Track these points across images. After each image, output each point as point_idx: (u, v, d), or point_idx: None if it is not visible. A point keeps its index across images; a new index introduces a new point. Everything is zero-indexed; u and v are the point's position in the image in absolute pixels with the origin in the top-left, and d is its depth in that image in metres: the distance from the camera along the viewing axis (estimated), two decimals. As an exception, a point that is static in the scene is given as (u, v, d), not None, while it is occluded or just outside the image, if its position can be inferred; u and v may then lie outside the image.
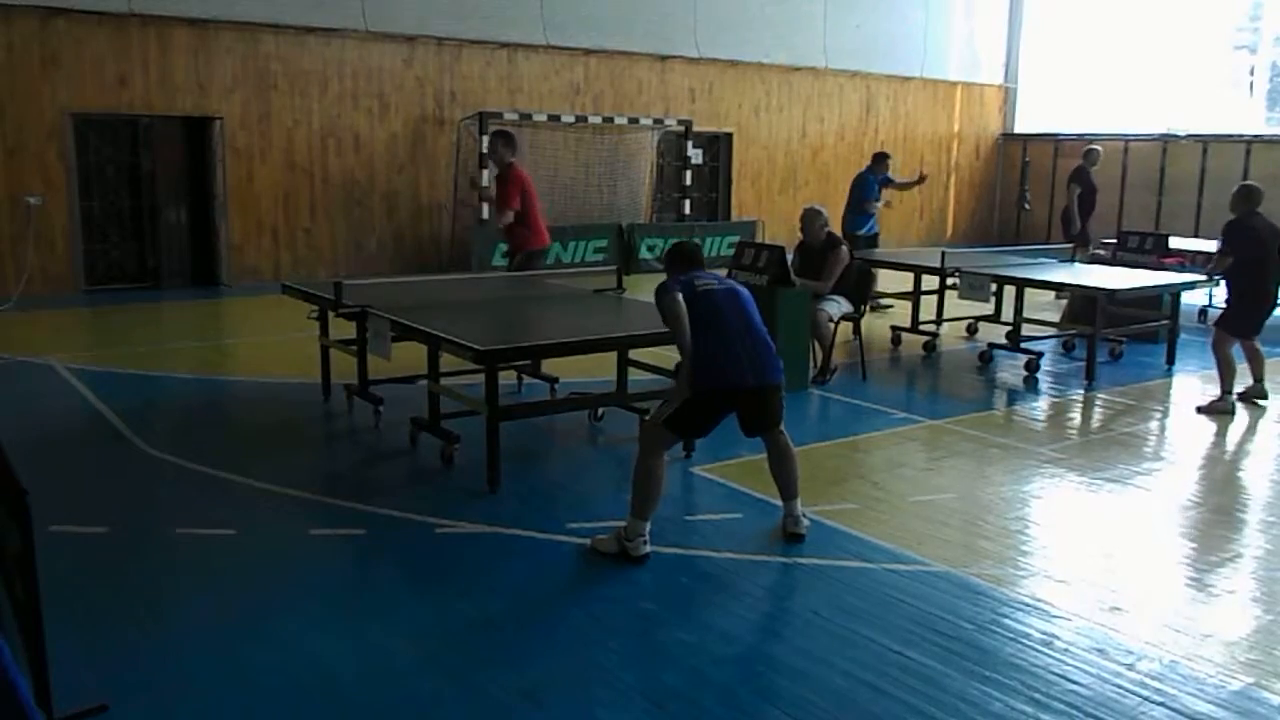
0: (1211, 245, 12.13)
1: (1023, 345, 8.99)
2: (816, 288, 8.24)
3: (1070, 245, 12.65)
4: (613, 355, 6.74)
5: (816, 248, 8.51)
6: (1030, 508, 5.65)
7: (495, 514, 5.19)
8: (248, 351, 9.62)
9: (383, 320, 6.07)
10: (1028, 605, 4.28)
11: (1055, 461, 6.33)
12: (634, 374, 6.83)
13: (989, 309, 9.70)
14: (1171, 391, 8.47)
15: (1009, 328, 9.31)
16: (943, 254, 9.83)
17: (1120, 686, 3.61)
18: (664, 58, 16.53)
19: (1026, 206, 20.06)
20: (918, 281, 9.97)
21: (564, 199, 15.35)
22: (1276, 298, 7.77)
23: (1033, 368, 8.68)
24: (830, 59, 18.46)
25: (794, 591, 4.40)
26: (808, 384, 7.97)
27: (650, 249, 15.52)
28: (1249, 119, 18.97)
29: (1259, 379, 7.81)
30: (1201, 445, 6.99)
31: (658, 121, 16.23)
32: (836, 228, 9.03)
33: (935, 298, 10.13)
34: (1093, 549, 4.97)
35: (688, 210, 16.72)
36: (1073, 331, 9.55)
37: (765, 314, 7.61)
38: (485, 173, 13.34)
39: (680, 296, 4.63)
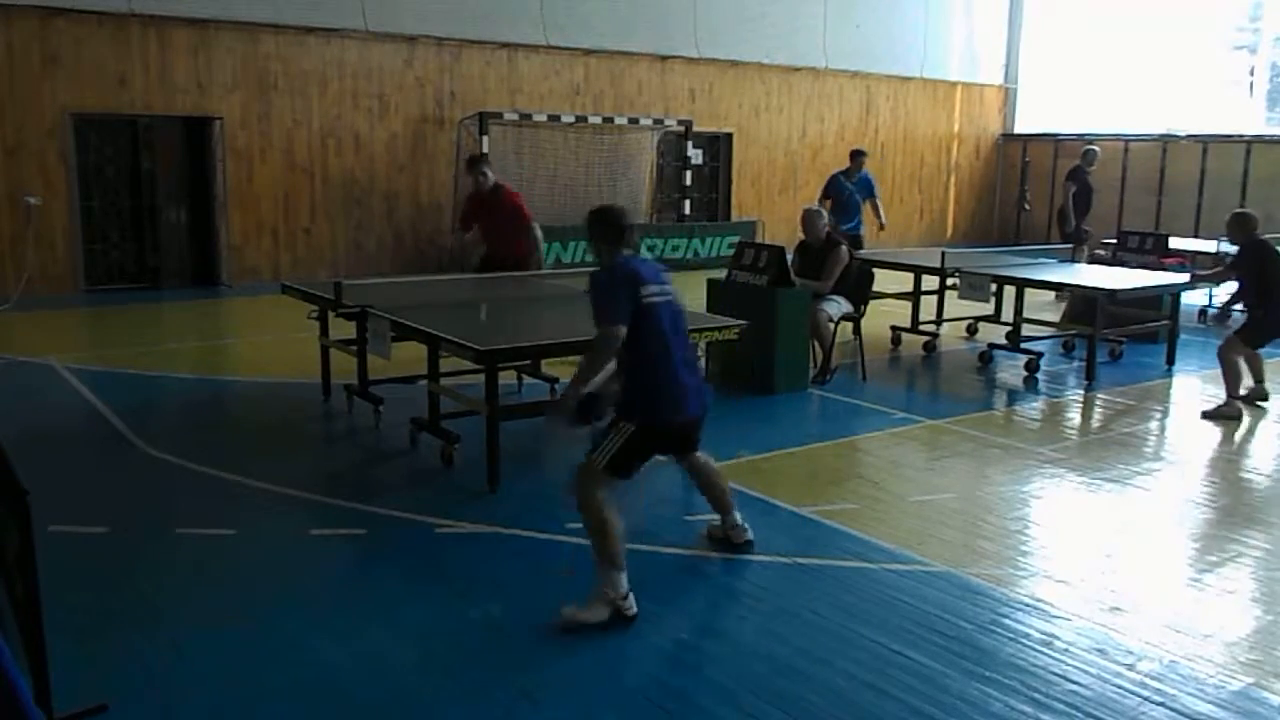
0: (1210, 245, 12.17)
1: (1023, 345, 8.99)
2: (816, 288, 8.24)
3: (1069, 245, 12.65)
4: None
5: (816, 248, 8.52)
6: (1030, 508, 5.65)
7: (495, 514, 5.19)
8: (248, 351, 9.62)
9: (383, 320, 6.07)
10: (1028, 605, 4.28)
11: (1055, 461, 6.33)
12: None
13: (989, 309, 9.70)
14: (1171, 392, 8.47)
15: (1009, 328, 9.31)
16: (943, 254, 9.83)
17: (1120, 686, 3.61)
18: (664, 58, 16.53)
19: (1026, 206, 20.06)
20: (918, 281, 9.97)
21: (564, 199, 15.34)
22: None
23: (1033, 368, 8.68)
24: (830, 59, 18.46)
25: (794, 591, 4.40)
26: (808, 384, 7.97)
27: (650, 249, 15.50)
28: (1249, 119, 18.98)
29: (1260, 380, 7.81)
30: (1201, 445, 6.99)
31: (658, 121, 16.23)
32: (796, 227, 9.00)
33: (935, 298, 10.13)
34: (1093, 549, 4.97)
35: (688, 210, 16.72)
36: (1073, 331, 9.55)
37: (765, 314, 7.71)
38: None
39: (622, 329, 3.98)
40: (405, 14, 13.94)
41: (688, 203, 16.72)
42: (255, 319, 11.29)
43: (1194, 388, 8.57)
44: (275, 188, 13.51)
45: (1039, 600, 4.33)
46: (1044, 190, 20.00)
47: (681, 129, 16.32)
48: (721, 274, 8.42)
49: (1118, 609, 4.26)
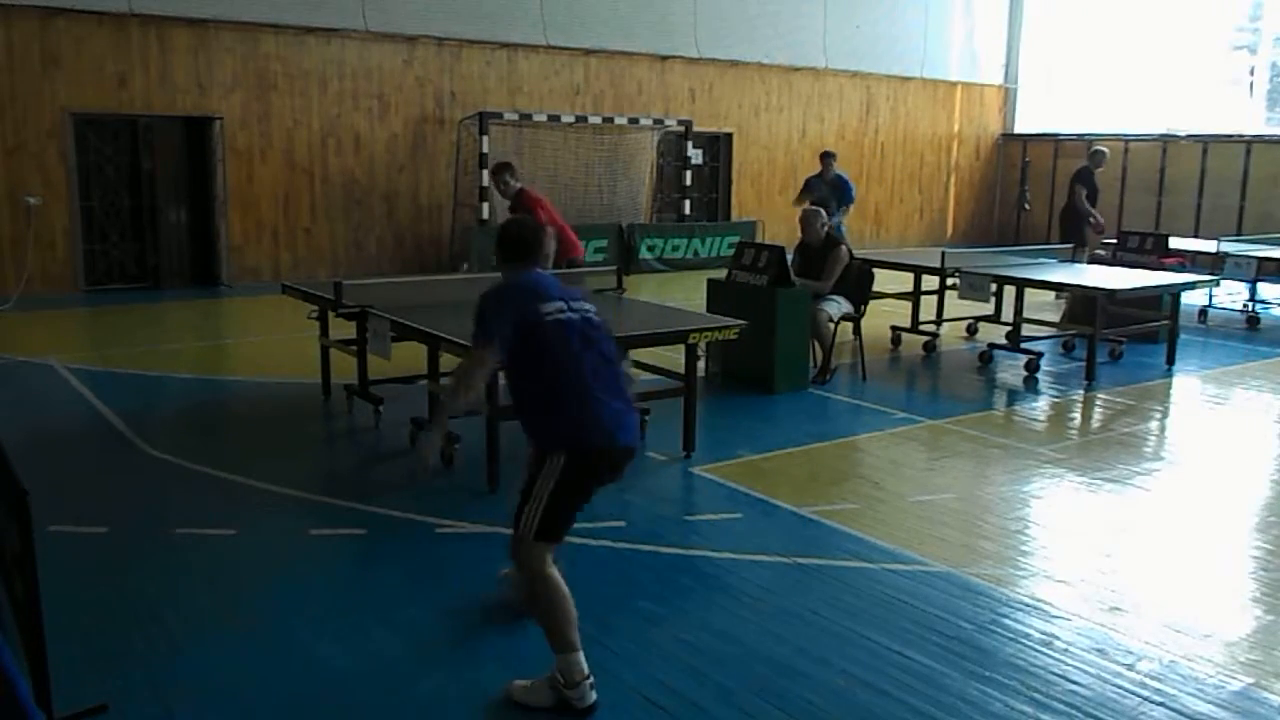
0: (1210, 245, 12.18)
1: (1023, 345, 8.99)
2: (816, 288, 8.23)
3: (1069, 245, 12.64)
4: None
5: (816, 248, 8.52)
6: (1030, 508, 5.64)
7: (495, 514, 5.18)
8: (248, 351, 9.62)
9: (383, 320, 6.07)
10: (1028, 605, 4.28)
11: (1055, 461, 6.32)
12: (634, 374, 6.82)
13: (989, 309, 9.70)
14: (1171, 392, 8.46)
15: (1009, 328, 9.31)
16: (943, 254, 9.83)
17: (1120, 686, 3.61)
18: (664, 58, 16.53)
19: (1026, 206, 20.06)
20: (918, 281, 9.97)
21: (564, 199, 15.34)
22: None
23: (1033, 368, 8.68)
24: (830, 59, 18.46)
25: (794, 591, 4.40)
26: (808, 384, 7.97)
27: (650, 249, 15.52)
28: (1249, 119, 18.98)
29: None
30: (1201, 445, 6.99)
31: (658, 121, 16.23)
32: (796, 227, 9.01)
33: (935, 298, 10.13)
34: (1093, 549, 4.97)
35: (688, 210, 16.73)
36: (1073, 331, 9.55)
37: (765, 314, 7.71)
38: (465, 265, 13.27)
39: (489, 352, 3.54)
40: (405, 14, 13.95)
41: (688, 203, 16.72)
42: (255, 319, 11.29)
43: (1194, 388, 8.57)
44: (275, 188, 13.52)
45: (1039, 600, 4.33)
46: (1044, 190, 20.01)
47: (681, 129, 16.32)
48: (721, 274, 8.42)
49: (1118, 609, 4.26)
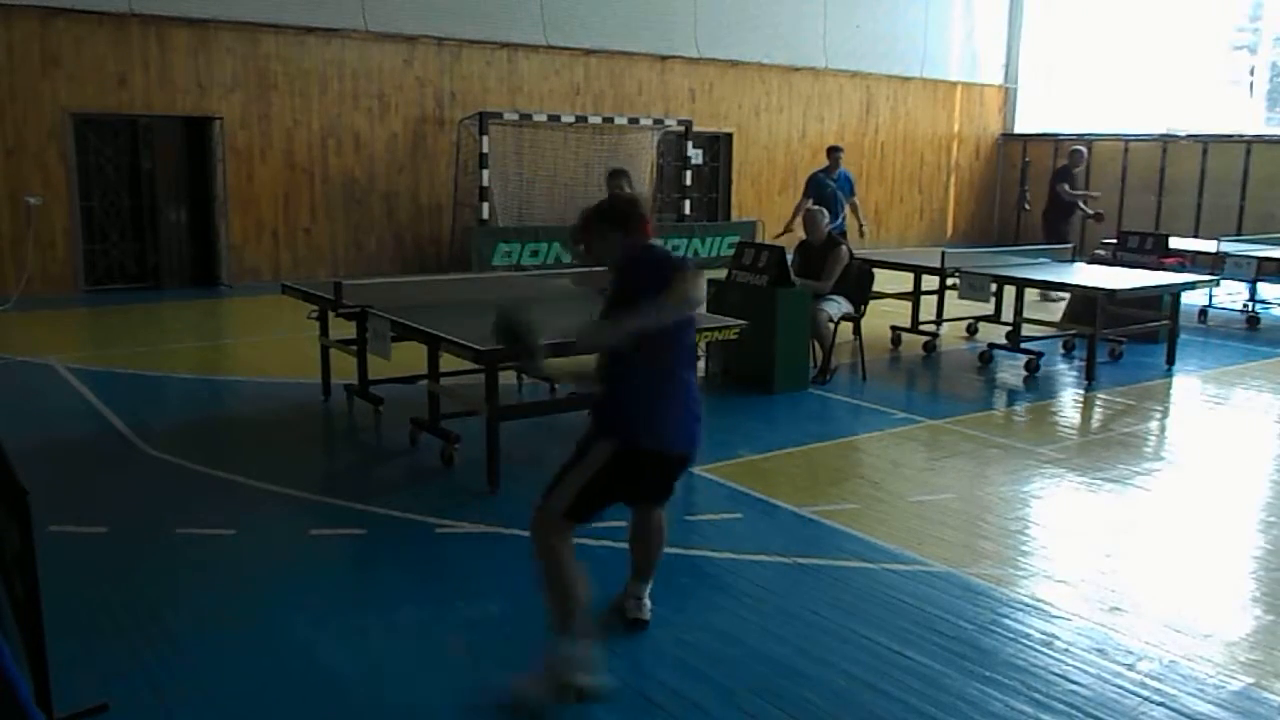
0: (1210, 245, 12.19)
1: (1023, 345, 8.99)
2: (816, 288, 8.23)
3: (1067, 245, 12.65)
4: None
5: (817, 247, 8.52)
6: (1030, 508, 5.64)
7: (495, 514, 5.19)
8: (248, 351, 9.62)
9: (383, 320, 6.06)
10: (1028, 605, 4.28)
11: (1055, 461, 6.32)
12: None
13: (989, 309, 9.70)
14: (1171, 392, 8.46)
15: (1009, 328, 9.31)
16: (943, 254, 9.83)
17: (1120, 686, 3.61)
18: (664, 58, 16.53)
19: (1026, 206, 20.04)
20: (918, 281, 9.97)
21: (564, 199, 15.34)
22: None
23: (1033, 368, 8.68)
24: (830, 59, 18.46)
25: (794, 591, 4.40)
26: (808, 384, 7.97)
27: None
28: (1249, 119, 18.98)
29: None
30: (1201, 445, 7.00)
31: (658, 121, 16.22)
32: (799, 225, 9.01)
33: (935, 298, 10.13)
34: (1093, 549, 4.97)
35: (688, 210, 16.72)
36: (1073, 331, 9.55)
37: (765, 314, 7.71)
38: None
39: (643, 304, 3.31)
40: (405, 14, 13.94)
41: (688, 203, 16.72)
42: (255, 319, 11.29)
43: (1194, 388, 8.57)
44: (275, 188, 13.52)
45: (1039, 600, 4.33)
46: (1044, 190, 19.89)
47: (681, 129, 16.32)
48: (721, 274, 8.42)
49: (1118, 609, 4.26)
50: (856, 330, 8.60)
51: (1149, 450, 6.82)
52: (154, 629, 3.95)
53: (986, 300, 9.12)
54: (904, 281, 10.09)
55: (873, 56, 19.02)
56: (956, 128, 20.97)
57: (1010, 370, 8.91)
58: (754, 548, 4.84)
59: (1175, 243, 12.12)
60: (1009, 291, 9.33)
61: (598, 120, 15.53)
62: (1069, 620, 4.14)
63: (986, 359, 9.17)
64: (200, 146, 13.17)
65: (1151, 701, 3.51)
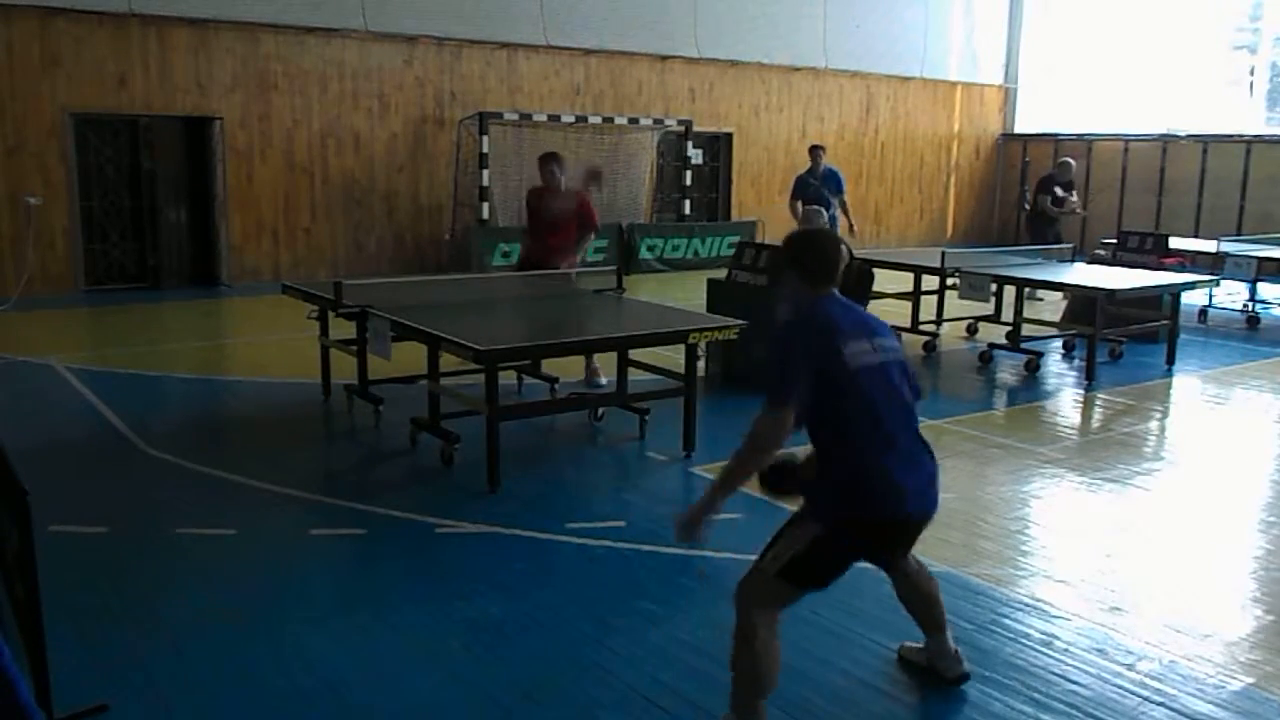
0: (1210, 245, 12.19)
1: (1023, 345, 8.99)
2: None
3: (1066, 245, 12.64)
4: (613, 355, 6.74)
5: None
6: (1030, 508, 5.64)
7: (495, 514, 5.19)
8: (248, 351, 9.62)
9: (383, 320, 6.07)
10: (1028, 605, 4.28)
11: (1055, 461, 6.32)
12: (634, 374, 6.83)
13: (989, 309, 9.70)
14: (1171, 392, 8.47)
15: (1009, 328, 9.31)
16: (943, 254, 9.83)
17: (1120, 686, 3.61)
18: (664, 58, 16.53)
19: (1027, 206, 20.03)
20: (918, 281, 9.97)
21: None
22: None
23: (1033, 368, 8.68)
24: (830, 59, 18.46)
25: (794, 591, 4.39)
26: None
27: (650, 249, 15.52)
28: (1249, 119, 18.97)
29: None
30: (1201, 445, 6.99)
31: (658, 121, 16.23)
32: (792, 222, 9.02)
33: (935, 298, 10.13)
34: (1093, 549, 4.97)
35: (688, 210, 16.73)
36: (1073, 331, 9.55)
37: (765, 314, 7.68)
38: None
39: (790, 414, 2.98)
40: (405, 14, 13.94)
41: (688, 203, 16.72)
42: (255, 319, 11.29)
43: (1194, 388, 8.57)
44: (275, 188, 13.51)
45: (1039, 600, 4.33)
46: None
47: (681, 129, 16.32)
48: (721, 274, 8.42)
49: (1118, 609, 4.26)
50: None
51: (1149, 450, 6.82)
52: (154, 629, 3.95)
53: (986, 300, 9.12)
54: (904, 281, 10.08)
55: (873, 56, 19.01)
56: (956, 128, 20.97)
57: (1010, 370, 8.91)
58: (755, 548, 4.81)
59: (1175, 243, 12.12)
60: (1009, 291, 9.33)
61: (598, 120, 15.53)
62: (1069, 620, 4.14)
63: (986, 359, 9.17)
64: (200, 146, 13.16)
65: (1151, 701, 3.51)
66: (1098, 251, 12.24)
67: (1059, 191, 13.20)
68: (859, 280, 8.61)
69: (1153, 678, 3.67)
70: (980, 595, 4.36)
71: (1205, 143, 18.31)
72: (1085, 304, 9.12)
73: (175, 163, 13.12)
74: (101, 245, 12.74)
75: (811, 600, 4.27)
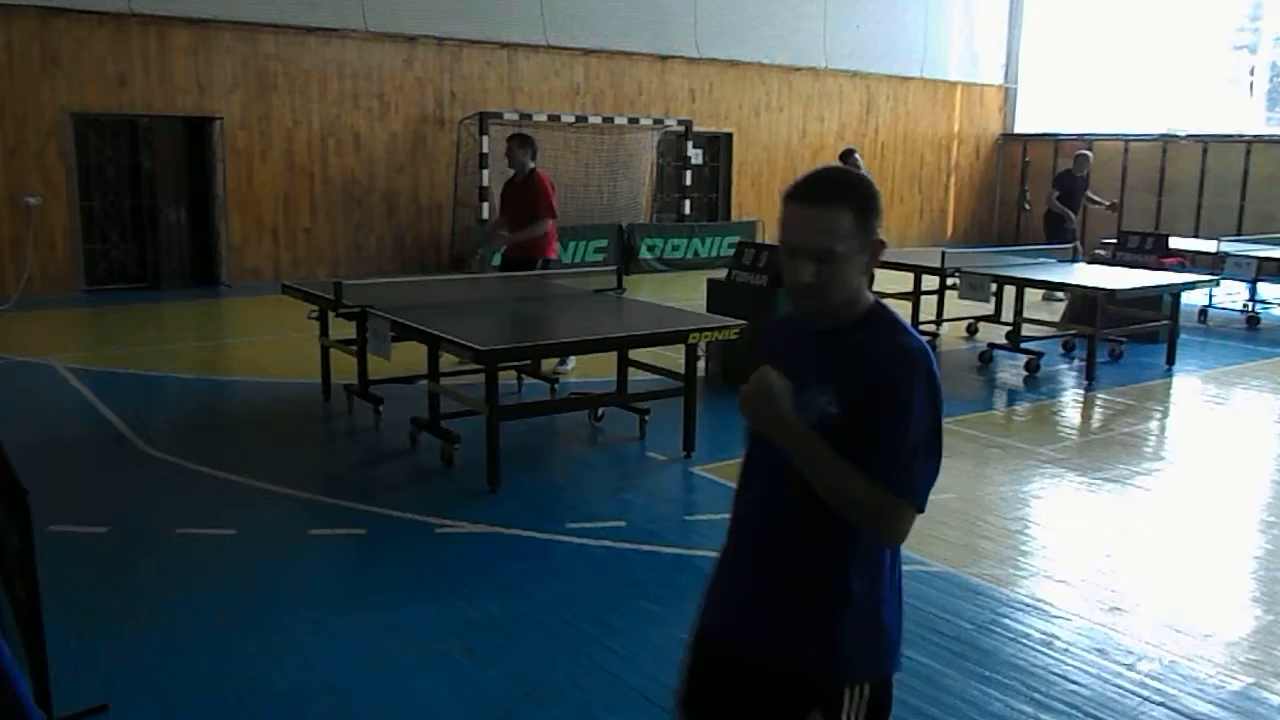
0: (1210, 245, 12.19)
1: (1023, 345, 8.99)
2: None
3: (1067, 246, 12.65)
4: (612, 355, 6.74)
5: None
6: (1030, 508, 5.64)
7: (495, 514, 5.19)
8: (248, 351, 9.62)
9: (383, 320, 6.06)
10: (1028, 605, 4.28)
11: (1055, 461, 6.32)
12: (634, 374, 6.82)
13: (989, 309, 9.70)
14: (1171, 392, 8.46)
15: (1009, 328, 9.31)
16: (943, 254, 9.83)
17: (1120, 686, 3.61)
18: (664, 58, 16.53)
19: (1026, 206, 20.06)
20: (918, 281, 9.96)
21: (564, 199, 15.25)
22: None
23: (1033, 368, 8.68)
24: (830, 59, 18.46)
25: (794, 591, 4.38)
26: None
27: (650, 249, 15.51)
28: (1249, 119, 18.97)
29: None
30: (1201, 445, 6.99)
31: (658, 121, 16.23)
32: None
33: (935, 298, 10.13)
34: (1093, 549, 4.97)
35: (688, 210, 16.73)
36: (1073, 331, 9.55)
37: (765, 314, 7.68)
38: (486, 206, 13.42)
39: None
40: (405, 14, 13.94)
41: (688, 203, 16.72)
42: (255, 319, 11.29)
43: (1194, 388, 8.57)
44: (275, 188, 13.51)
45: (1039, 600, 4.33)
46: (1044, 190, 19.95)
47: (681, 129, 16.32)
48: (721, 274, 8.42)
49: (1118, 609, 4.26)
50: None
51: (1149, 450, 6.82)
52: (154, 629, 3.95)
53: (986, 300, 9.12)
54: (904, 281, 10.08)
55: (873, 56, 19.01)
56: (956, 128, 20.97)
57: (1010, 370, 8.91)
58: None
59: (1175, 243, 12.11)
60: (1009, 291, 9.33)
61: (598, 120, 15.53)
62: (1069, 620, 4.13)
63: (986, 359, 9.17)
64: (200, 146, 13.16)
65: (1151, 701, 3.51)
66: (1098, 251, 12.24)
67: (1091, 195, 13.28)
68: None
69: (1153, 678, 3.67)
70: (980, 595, 4.35)
71: (1205, 143, 18.31)
72: (1085, 304, 9.12)
73: (175, 163, 13.12)
74: (101, 245, 12.73)
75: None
